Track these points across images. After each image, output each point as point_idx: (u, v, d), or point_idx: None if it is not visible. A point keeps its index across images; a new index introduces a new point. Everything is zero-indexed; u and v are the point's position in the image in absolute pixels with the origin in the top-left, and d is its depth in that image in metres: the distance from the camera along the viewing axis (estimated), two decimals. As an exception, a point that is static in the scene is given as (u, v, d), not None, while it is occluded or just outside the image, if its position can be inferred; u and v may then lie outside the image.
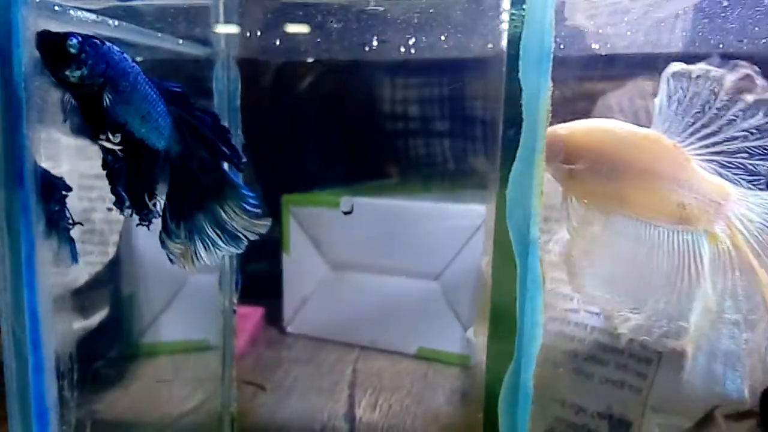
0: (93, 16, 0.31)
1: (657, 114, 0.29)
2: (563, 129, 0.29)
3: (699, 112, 0.28)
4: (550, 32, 0.23)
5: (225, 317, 0.37)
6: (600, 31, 0.57)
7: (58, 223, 0.28)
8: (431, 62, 0.70)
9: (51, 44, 0.25)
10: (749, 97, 0.27)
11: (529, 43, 0.23)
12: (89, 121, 0.27)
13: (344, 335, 0.67)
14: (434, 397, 0.53)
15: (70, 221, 0.28)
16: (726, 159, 0.28)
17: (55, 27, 0.26)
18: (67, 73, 0.25)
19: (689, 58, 0.63)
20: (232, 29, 0.36)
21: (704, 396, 0.30)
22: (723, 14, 0.45)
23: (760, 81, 0.28)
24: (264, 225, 0.29)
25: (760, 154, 0.28)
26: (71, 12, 0.29)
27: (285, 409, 0.51)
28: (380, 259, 0.65)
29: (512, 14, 0.23)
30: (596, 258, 0.30)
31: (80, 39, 0.25)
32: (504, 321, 0.25)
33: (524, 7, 0.23)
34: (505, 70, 0.24)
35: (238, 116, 0.36)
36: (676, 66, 0.29)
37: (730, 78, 0.28)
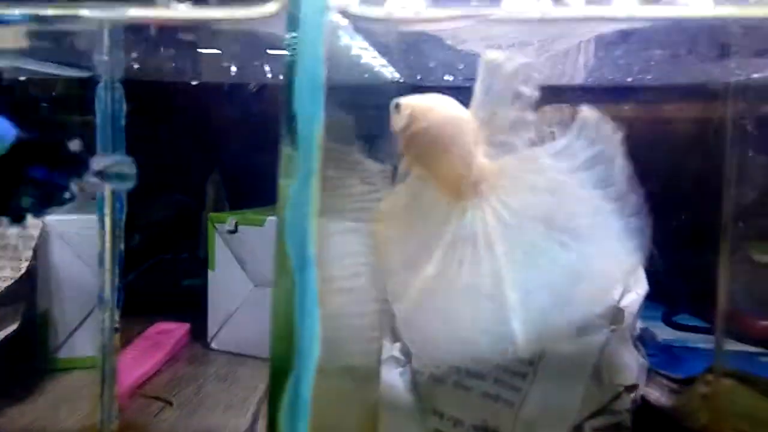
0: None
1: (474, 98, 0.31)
2: (411, 98, 0.31)
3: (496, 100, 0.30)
4: (321, 60, 0.24)
5: (104, 335, 0.38)
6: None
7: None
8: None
9: None
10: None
11: (304, 70, 0.24)
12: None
13: (266, 351, 0.67)
14: (347, 412, 0.54)
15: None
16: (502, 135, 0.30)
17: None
18: None
19: (590, 89, 0.66)
20: (118, 53, 0.37)
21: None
22: (616, 49, 0.48)
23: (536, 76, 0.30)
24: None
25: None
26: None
27: (187, 425, 0.51)
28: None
29: (287, 41, 0.25)
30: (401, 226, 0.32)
31: None
32: (284, 336, 0.26)
33: (296, 35, 0.24)
34: (283, 95, 0.25)
35: (123, 136, 0.37)
36: (488, 55, 0.30)
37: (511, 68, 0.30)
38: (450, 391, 0.42)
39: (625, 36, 0.39)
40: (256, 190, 0.58)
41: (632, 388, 0.43)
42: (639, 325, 0.55)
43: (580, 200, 0.31)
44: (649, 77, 0.55)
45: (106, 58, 0.35)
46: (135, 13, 0.30)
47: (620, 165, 0.50)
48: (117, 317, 0.38)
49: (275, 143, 0.29)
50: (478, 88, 0.31)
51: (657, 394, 0.47)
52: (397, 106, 0.30)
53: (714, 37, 0.35)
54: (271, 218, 0.68)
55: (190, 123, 0.81)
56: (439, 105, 0.30)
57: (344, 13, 0.29)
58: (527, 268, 0.30)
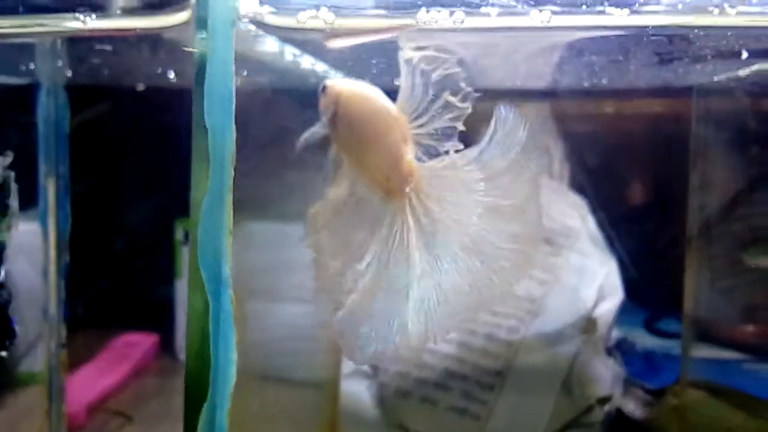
0: None
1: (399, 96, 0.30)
2: (340, 83, 0.29)
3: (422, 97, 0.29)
4: (231, 70, 0.23)
5: (49, 350, 0.36)
6: (476, 62, 0.58)
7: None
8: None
9: None
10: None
11: (213, 80, 0.23)
12: None
13: (241, 364, 0.66)
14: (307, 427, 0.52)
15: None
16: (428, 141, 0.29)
17: None
18: None
19: (561, 92, 0.65)
20: (60, 59, 0.35)
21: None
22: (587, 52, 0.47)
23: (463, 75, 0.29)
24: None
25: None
26: None
27: (145, 440, 0.49)
28: (272, 285, 0.64)
29: (196, 51, 0.23)
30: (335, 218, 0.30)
31: None
32: (199, 358, 0.25)
33: (206, 45, 0.23)
34: (193, 108, 0.24)
35: (66, 143, 0.35)
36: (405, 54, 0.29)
37: (437, 73, 0.29)
38: (416, 405, 0.41)
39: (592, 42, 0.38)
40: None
41: (605, 400, 0.42)
42: (616, 333, 0.54)
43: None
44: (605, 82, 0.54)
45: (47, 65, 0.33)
46: (45, 26, 0.29)
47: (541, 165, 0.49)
48: (63, 332, 0.36)
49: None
50: (402, 86, 0.29)
51: (632, 406, 0.46)
52: (324, 88, 0.29)
53: (673, 43, 0.34)
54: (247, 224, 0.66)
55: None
56: (368, 93, 0.29)
57: (255, 23, 0.28)
58: (438, 274, 0.28)
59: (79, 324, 0.70)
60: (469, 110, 0.29)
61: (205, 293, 0.24)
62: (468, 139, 0.32)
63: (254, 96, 0.33)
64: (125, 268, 0.74)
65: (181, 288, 0.69)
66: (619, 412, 0.46)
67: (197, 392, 0.25)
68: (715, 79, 0.40)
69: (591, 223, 0.52)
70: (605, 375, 0.43)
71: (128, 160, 0.75)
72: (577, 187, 0.57)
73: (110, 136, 0.69)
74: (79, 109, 0.36)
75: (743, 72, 0.36)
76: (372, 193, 0.29)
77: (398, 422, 0.40)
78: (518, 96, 0.64)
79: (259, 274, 0.64)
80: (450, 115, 0.29)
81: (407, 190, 0.28)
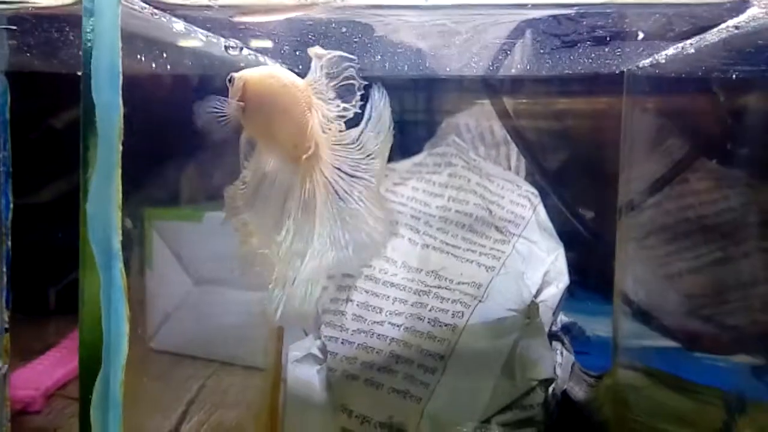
0: None
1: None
2: (245, 72, 0.32)
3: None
4: (118, 48, 0.24)
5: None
6: (434, 53, 0.59)
7: None
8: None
9: None
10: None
11: (100, 58, 0.24)
12: None
13: (205, 351, 0.67)
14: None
15: None
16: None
17: None
18: None
19: (527, 80, 0.66)
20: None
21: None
22: (552, 39, 0.47)
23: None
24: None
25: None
26: None
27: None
28: (225, 272, 0.65)
29: (84, 33, 0.24)
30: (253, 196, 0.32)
31: None
32: (92, 331, 0.26)
33: (92, 25, 0.24)
34: (82, 86, 0.24)
35: (5, 129, 0.36)
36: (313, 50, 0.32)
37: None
38: (361, 388, 0.42)
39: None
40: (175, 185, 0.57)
41: (547, 382, 0.43)
42: (567, 319, 0.55)
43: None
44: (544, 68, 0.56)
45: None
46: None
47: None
48: (6, 317, 0.37)
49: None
50: (312, 69, 0.32)
51: (576, 388, 0.47)
52: (231, 79, 0.31)
53: (608, 24, 0.35)
54: (210, 214, 0.67)
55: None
56: (272, 74, 0.31)
57: (146, 1, 0.28)
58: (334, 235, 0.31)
59: (43, 312, 0.71)
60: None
61: (96, 267, 0.25)
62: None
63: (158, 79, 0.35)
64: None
65: (151, 277, 0.70)
66: (565, 395, 0.47)
67: (91, 365, 0.26)
68: (643, 63, 0.41)
69: (542, 212, 0.53)
70: (547, 358, 0.44)
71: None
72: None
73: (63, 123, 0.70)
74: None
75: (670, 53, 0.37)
76: (284, 165, 0.32)
77: (342, 405, 0.41)
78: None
79: (214, 261, 0.65)
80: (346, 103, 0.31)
81: (311, 152, 0.31)
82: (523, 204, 0.53)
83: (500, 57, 0.48)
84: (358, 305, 0.47)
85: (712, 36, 0.31)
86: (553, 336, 0.49)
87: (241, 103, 0.31)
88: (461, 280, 0.47)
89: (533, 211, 0.53)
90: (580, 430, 0.43)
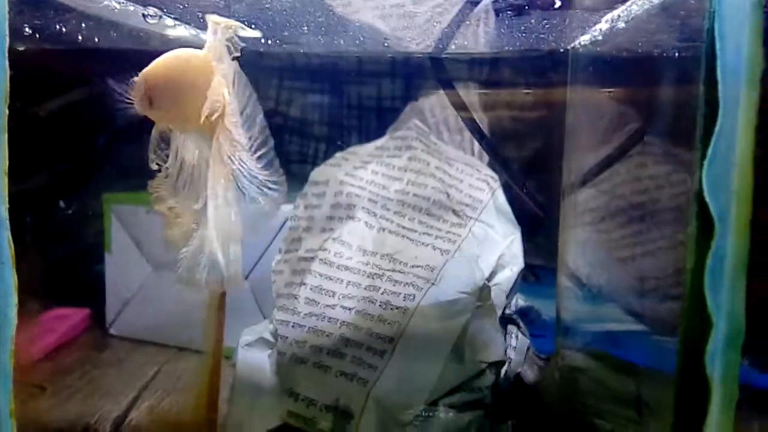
0: None
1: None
2: (150, 66, 0.32)
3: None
4: (3, 13, 0.23)
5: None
6: (396, 33, 0.58)
7: None
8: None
9: None
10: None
11: None
12: None
13: (163, 336, 0.66)
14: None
15: None
16: None
17: None
18: None
19: (490, 61, 0.66)
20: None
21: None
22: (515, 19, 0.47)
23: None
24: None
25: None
26: None
27: (55, 411, 0.50)
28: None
29: None
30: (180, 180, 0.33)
31: None
32: None
33: None
34: None
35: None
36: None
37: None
38: (309, 371, 0.41)
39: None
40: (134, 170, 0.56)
41: (497, 365, 0.43)
42: (524, 303, 0.55)
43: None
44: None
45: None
46: None
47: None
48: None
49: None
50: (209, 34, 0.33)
51: (530, 372, 0.47)
52: (132, 83, 0.32)
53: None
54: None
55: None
56: (172, 55, 0.32)
57: None
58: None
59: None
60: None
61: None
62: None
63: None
64: (55, 243, 0.73)
65: (111, 262, 0.69)
66: (518, 377, 0.47)
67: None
68: (584, 40, 0.40)
69: (501, 196, 0.53)
70: (498, 341, 0.44)
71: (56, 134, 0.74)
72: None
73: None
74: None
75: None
76: (202, 140, 0.32)
77: (290, 388, 0.41)
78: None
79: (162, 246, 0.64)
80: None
81: (220, 112, 0.32)
82: (481, 188, 0.52)
83: (453, 37, 0.48)
84: (311, 289, 0.47)
85: (637, 7, 0.31)
86: (507, 319, 0.49)
87: (147, 99, 0.31)
88: (415, 263, 0.46)
89: (492, 195, 0.52)
90: (529, 412, 0.43)
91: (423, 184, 0.52)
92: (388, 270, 0.46)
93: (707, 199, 0.16)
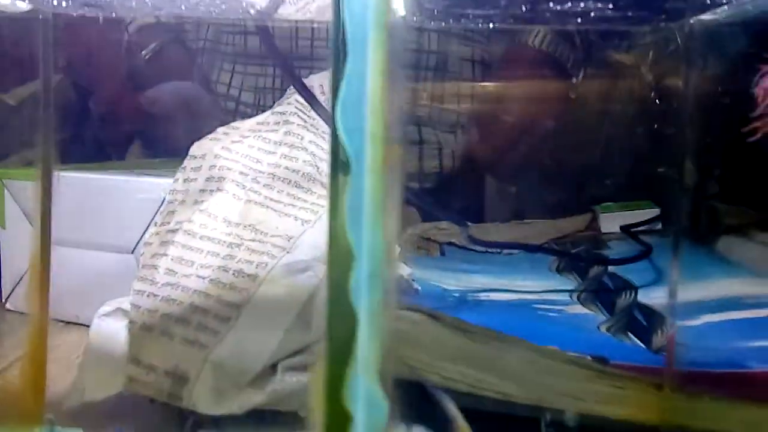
0: None
1: None
2: None
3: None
4: None
5: None
6: None
7: None
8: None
9: None
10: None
11: None
12: None
13: (59, 312, 0.66)
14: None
15: None
16: None
17: None
18: None
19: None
20: None
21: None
22: None
23: None
24: None
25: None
26: None
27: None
28: (83, 234, 0.64)
29: None
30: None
31: None
32: None
33: None
34: None
35: None
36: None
37: None
38: (155, 338, 0.42)
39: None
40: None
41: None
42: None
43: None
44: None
45: None
46: None
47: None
48: None
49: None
50: None
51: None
52: None
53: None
54: (63, 174, 0.66)
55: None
56: None
57: None
58: None
59: None
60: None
61: None
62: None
63: None
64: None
65: (5, 237, 0.68)
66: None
67: None
68: None
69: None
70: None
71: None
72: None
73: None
74: None
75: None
76: None
77: (134, 355, 0.42)
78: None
79: (67, 222, 0.64)
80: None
81: None
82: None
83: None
84: (172, 259, 0.47)
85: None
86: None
87: None
88: (275, 233, 0.47)
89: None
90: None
91: (295, 158, 0.53)
92: (249, 240, 0.47)
93: (342, 139, 0.17)
